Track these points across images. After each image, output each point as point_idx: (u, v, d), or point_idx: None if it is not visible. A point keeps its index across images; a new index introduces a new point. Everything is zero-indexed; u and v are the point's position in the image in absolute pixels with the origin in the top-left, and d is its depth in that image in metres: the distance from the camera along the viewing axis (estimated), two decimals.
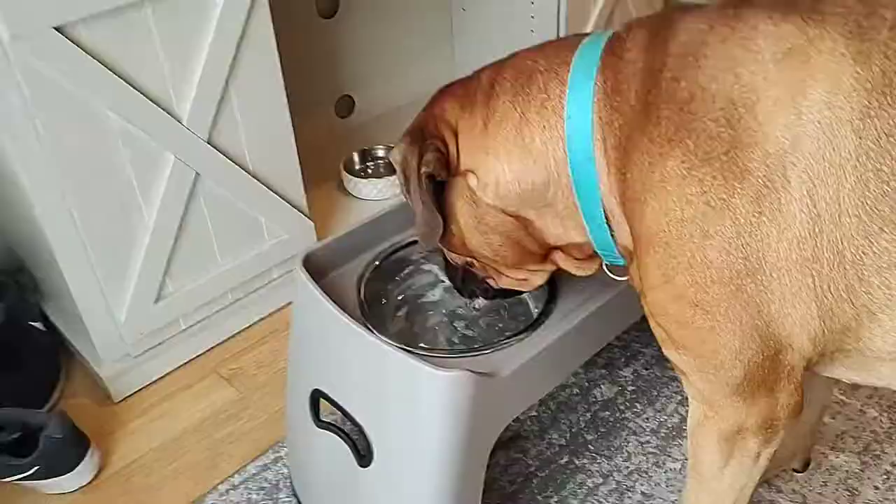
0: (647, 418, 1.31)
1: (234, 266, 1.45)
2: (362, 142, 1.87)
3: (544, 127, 0.83)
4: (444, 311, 1.14)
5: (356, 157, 1.84)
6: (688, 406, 0.85)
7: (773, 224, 0.69)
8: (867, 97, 0.65)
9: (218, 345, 1.49)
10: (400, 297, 1.15)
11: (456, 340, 1.09)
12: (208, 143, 1.32)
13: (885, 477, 1.19)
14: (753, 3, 0.72)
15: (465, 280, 1.04)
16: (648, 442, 1.27)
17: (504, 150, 0.85)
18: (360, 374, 0.97)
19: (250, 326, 1.53)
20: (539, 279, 0.99)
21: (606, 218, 0.84)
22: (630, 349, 1.44)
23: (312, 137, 1.47)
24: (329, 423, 1.01)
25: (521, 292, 1.05)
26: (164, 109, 1.24)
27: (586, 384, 1.38)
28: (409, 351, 0.93)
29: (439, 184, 0.91)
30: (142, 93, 1.20)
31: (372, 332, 0.96)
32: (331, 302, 0.98)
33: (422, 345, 1.05)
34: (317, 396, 1.03)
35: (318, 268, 1.07)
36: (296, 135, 1.45)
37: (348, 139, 1.96)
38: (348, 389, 0.99)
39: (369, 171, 1.85)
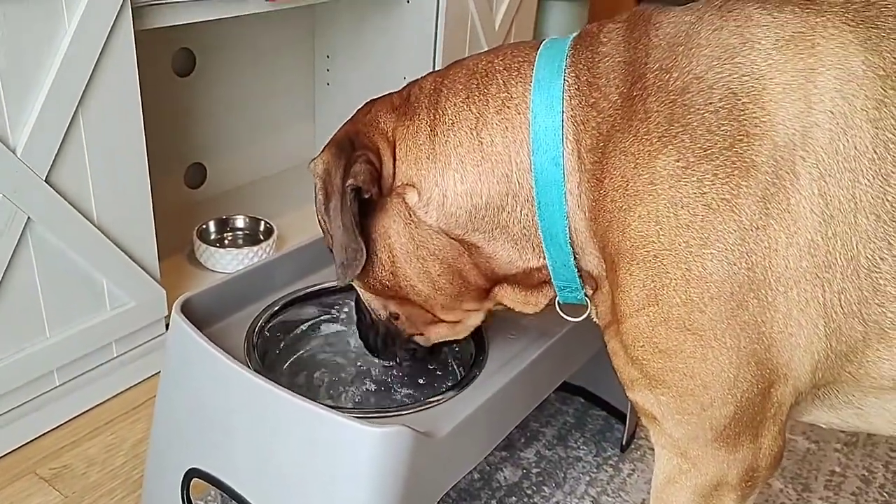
0: (557, 502, 1.18)
1: (65, 338, 1.21)
2: (211, 216, 1.68)
3: (506, 128, 0.72)
4: (350, 367, 0.98)
5: (212, 226, 1.65)
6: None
7: (781, 227, 0.63)
8: (881, 84, 0.60)
9: (37, 438, 1.25)
10: (296, 354, 0.98)
11: (371, 400, 0.93)
12: (46, 181, 1.11)
13: None
14: None
15: (387, 340, 0.89)
16: None
17: (456, 156, 0.74)
18: (259, 441, 0.78)
19: (80, 415, 1.29)
20: (474, 321, 0.86)
21: (570, 239, 0.73)
22: (529, 429, 1.33)
23: (157, 205, 1.28)
24: None
25: (451, 343, 0.91)
26: None
27: (487, 468, 1.25)
28: (330, 408, 0.75)
29: (364, 206, 0.77)
30: None
31: (279, 386, 0.77)
32: (223, 353, 0.79)
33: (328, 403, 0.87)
34: (191, 478, 0.83)
35: (196, 318, 0.88)
36: None
37: (196, 212, 1.78)
38: (238, 463, 0.81)
39: (226, 241, 1.65)
